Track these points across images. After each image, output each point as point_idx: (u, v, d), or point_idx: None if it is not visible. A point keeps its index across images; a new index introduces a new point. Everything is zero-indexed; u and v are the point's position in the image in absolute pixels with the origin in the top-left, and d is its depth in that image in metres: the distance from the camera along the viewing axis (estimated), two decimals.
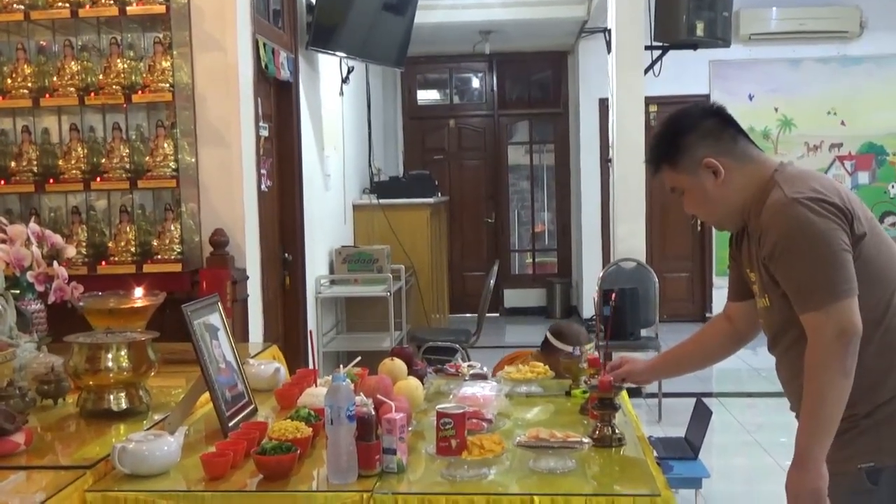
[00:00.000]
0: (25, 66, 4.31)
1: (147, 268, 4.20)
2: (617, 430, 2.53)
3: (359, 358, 2.96)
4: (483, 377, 3.19)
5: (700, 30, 6.83)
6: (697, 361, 2.72)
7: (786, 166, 2.24)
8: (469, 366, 3.27)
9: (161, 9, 4.20)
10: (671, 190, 2.34)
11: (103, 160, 4.30)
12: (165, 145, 4.24)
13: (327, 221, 6.78)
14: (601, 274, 6.98)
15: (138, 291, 3.35)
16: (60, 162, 4.32)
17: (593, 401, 2.59)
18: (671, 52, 7.27)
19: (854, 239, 2.10)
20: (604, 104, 9.05)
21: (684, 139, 2.26)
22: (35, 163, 4.33)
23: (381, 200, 7.70)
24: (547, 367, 3.19)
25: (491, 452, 2.24)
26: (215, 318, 2.77)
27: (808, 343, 2.09)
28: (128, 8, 4.18)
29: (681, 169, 2.27)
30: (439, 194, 8.64)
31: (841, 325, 2.03)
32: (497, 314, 10.57)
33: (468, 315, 9.05)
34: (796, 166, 2.27)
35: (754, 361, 6.99)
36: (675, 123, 2.30)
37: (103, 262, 4.25)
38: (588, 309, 9.57)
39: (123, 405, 2.69)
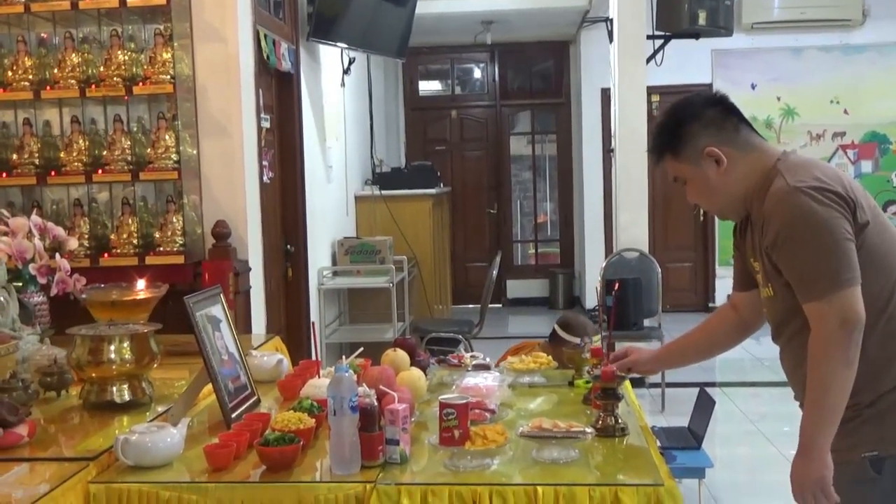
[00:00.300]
0: (26, 59, 4.30)
1: (149, 260, 4.20)
2: (620, 420, 2.53)
3: (361, 349, 2.96)
4: (486, 367, 3.18)
5: (702, 19, 6.81)
6: (703, 351, 2.71)
7: (788, 155, 2.24)
8: (472, 356, 3.27)
9: (161, 0, 4.18)
10: (674, 179, 2.34)
11: (105, 152, 4.30)
12: (167, 137, 4.24)
13: (329, 213, 6.77)
14: (604, 264, 6.97)
15: (141, 283, 3.35)
16: (62, 154, 4.31)
17: (596, 391, 2.59)
18: (673, 42, 7.26)
19: (857, 228, 2.09)
20: (606, 94, 9.03)
21: (687, 128, 2.25)
22: (36, 155, 4.32)
23: (384, 191, 7.69)
24: (550, 357, 3.19)
25: (494, 443, 2.24)
26: (217, 310, 2.78)
27: (811, 332, 2.09)
28: None
29: (683, 158, 2.27)
30: (441, 185, 8.63)
31: (844, 315, 2.03)
32: (500, 305, 10.57)
33: (471, 306, 9.06)
34: (799, 155, 2.26)
35: (757, 351, 6.99)
36: (678, 112, 2.30)
37: (105, 255, 4.25)
38: (591, 299, 9.56)
39: (126, 397, 2.70)
